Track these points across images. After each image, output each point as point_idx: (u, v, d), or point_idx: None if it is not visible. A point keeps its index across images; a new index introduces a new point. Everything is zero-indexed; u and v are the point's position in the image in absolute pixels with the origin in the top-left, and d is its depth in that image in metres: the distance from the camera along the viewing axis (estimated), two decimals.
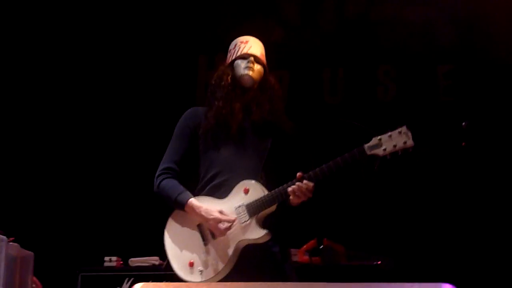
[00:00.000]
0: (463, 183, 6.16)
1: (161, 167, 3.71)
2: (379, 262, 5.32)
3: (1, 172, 6.54)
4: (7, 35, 6.83)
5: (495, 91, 6.32)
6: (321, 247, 5.50)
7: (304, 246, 5.57)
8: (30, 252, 4.85)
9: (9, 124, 6.74)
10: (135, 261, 5.63)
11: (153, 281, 5.20)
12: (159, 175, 3.69)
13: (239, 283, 2.69)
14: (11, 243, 4.46)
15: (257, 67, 3.75)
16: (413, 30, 6.59)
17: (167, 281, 3.48)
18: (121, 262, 5.68)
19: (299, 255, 5.49)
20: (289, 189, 3.45)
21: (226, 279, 3.48)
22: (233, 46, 3.85)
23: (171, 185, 3.64)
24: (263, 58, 3.81)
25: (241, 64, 3.74)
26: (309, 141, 3.88)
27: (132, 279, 5.35)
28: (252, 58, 3.74)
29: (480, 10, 6.30)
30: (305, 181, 3.42)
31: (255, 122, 3.66)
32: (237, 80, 3.73)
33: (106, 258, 5.67)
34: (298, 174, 3.45)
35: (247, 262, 3.51)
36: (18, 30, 6.87)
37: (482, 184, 6.14)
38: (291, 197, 3.47)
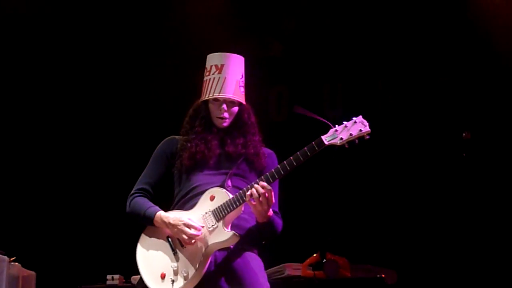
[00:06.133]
0: (464, 194, 6.16)
1: (134, 188, 3.75)
2: (383, 275, 5.30)
3: (1, 192, 6.53)
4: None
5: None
6: (324, 260, 5.49)
7: (307, 260, 5.55)
8: (32, 271, 4.85)
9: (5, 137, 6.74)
10: (137, 279, 5.58)
11: None
12: (130, 195, 3.73)
13: None
14: (12, 263, 4.46)
15: (231, 110, 3.72)
16: None
17: None
18: (124, 280, 5.66)
19: (302, 270, 5.47)
20: (247, 193, 3.45)
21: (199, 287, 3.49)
22: (208, 69, 3.73)
23: (141, 202, 3.68)
24: (238, 92, 3.70)
25: (214, 110, 3.71)
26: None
27: None
28: (224, 106, 3.68)
29: None
30: (260, 183, 3.43)
31: (229, 153, 3.68)
32: (211, 120, 3.73)
33: (109, 277, 5.65)
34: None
35: (221, 271, 3.53)
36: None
37: (483, 195, 6.14)
38: (252, 208, 3.46)
